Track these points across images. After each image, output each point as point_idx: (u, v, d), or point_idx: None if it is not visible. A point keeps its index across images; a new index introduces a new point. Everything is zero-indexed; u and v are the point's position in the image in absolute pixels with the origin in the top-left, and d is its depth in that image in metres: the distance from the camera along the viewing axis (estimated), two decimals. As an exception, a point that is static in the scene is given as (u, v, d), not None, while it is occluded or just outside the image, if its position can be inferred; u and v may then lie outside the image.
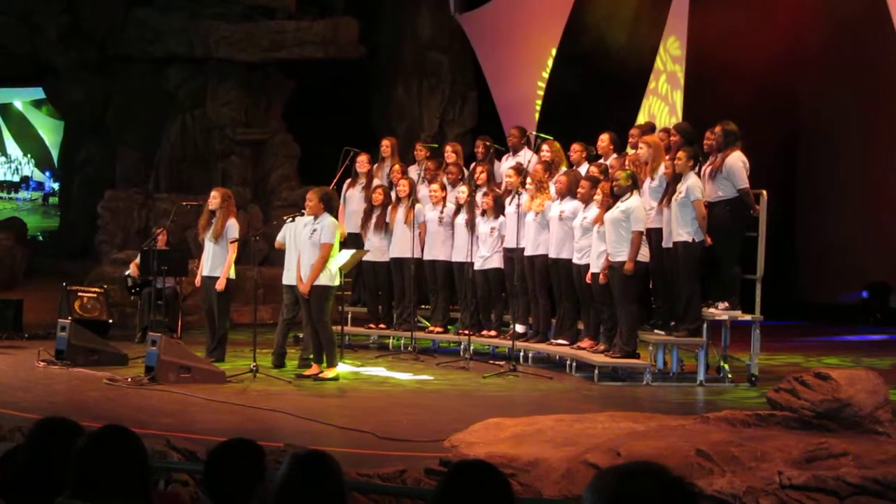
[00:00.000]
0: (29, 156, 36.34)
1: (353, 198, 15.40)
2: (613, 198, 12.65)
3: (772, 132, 18.38)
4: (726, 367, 12.92)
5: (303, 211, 12.96)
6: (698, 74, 18.21)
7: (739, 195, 12.42)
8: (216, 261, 13.52)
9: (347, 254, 13.45)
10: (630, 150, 13.74)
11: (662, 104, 18.49)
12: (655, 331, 12.98)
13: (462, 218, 14.51)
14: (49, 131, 34.30)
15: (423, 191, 15.14)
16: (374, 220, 15.02)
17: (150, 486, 4.14)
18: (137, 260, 15.73)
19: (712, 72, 18.31)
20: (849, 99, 18.82)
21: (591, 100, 18.18)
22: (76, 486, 3.90)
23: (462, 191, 14.59)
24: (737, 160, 12.41)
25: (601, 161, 13.87)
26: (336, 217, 13.01)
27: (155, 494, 4.43)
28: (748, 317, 12.72)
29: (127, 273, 16.31)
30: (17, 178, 36.58)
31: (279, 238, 13.52)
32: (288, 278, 13.19)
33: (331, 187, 13.88)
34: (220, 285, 13.42)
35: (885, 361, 14.25)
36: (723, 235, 12.54)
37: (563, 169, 14.11)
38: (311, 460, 3.77)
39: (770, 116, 18.60)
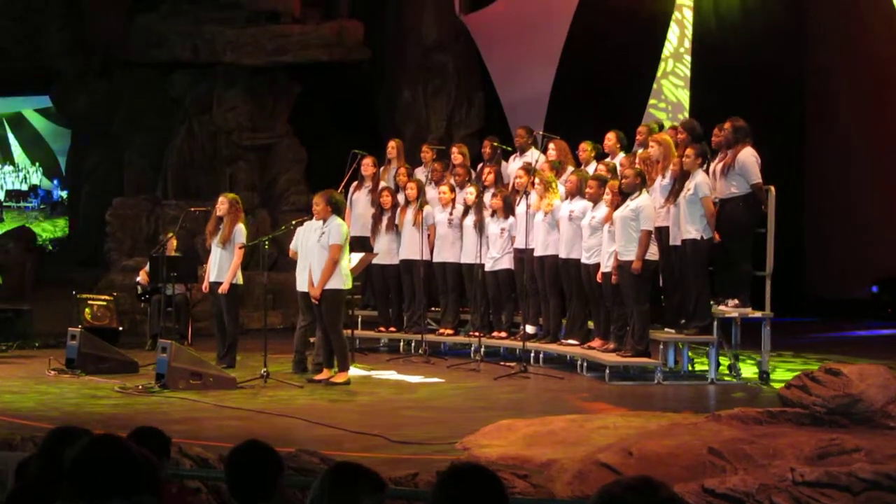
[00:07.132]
0: (37, 164, 36.36)
1: (360, 201, 15.37)
2: (622, 196, 12.62)
3: (778, 125, 18.37)
4: (738, 364, 12.90)
5: (308, 217, 12.94)
6: (703, 70, 18.22)
7: (752, 190, 12.37)
8: (224, 266, 13.52)
9: (356, 257, 13.44)
10: (638, 149, 13.72)
11: (669, 101, 18.48)
12: (665, 329, 12.95)
13: (470, 219, 14.48)
14: (56, 140, 34.29)
15: (430, 193, 15.11)
16: (384, 222, 15.00)
17: (158, 482, 4.10)
18: (147, 267, 15.72)
19: (718, 67, 18.34)
20: (855, 88, 18.78)
21: (598, 98, 18.16)
22: (70, 489, 3.89)
23: (470, 192, 14.56)
24: (749, 155, 12.38)
25: (609, 160, 13.85)
26: (343, 220, 12.98)
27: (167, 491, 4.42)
28: (758, 314, 12.68)
29: (137, 280, 16.32)
30: (25, 187, 36.60)
31: (292, 246, 13.46)
32: (301, 284, 13.14)
33: (338, 191, 13.87)
34: (223, 289, 13.43)
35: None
36: (735, 232, 12.49)
37: (571, 168, 14.10)
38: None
39: (776, 109, 18.58)
